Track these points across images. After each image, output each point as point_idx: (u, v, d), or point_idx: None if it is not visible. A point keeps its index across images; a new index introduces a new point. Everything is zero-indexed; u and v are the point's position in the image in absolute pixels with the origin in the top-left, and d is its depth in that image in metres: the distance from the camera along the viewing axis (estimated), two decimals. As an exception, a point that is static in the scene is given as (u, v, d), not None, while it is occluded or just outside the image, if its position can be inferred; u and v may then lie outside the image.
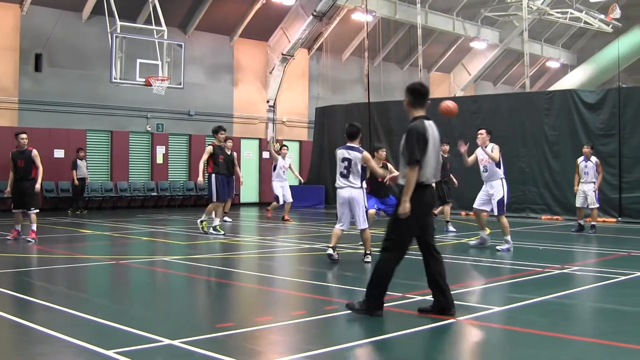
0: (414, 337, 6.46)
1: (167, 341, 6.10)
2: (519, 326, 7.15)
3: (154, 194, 27.67)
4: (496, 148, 13.49)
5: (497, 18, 38.81)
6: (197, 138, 29.08)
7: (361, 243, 12.06)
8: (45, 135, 24.83)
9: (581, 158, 17.77)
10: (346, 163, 11.16)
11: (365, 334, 6.90)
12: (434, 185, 7.38)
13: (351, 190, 11.21)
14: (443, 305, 7.21)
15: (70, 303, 8.03)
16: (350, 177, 11.18)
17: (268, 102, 31.86)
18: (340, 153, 11.33)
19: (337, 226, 11.50)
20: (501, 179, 13.43)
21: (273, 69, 31.46)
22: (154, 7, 23.17)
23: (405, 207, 6.98)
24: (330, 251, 11.38)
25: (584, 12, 38.44)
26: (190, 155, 28.61)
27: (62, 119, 25.50)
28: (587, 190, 17.47)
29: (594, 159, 17.69)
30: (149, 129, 27.95)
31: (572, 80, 40.41)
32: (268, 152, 21.48)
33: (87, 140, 25.96)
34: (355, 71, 35.14)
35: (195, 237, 16.06)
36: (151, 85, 22.03)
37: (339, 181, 11.31)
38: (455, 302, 7.25)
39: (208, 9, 28.36)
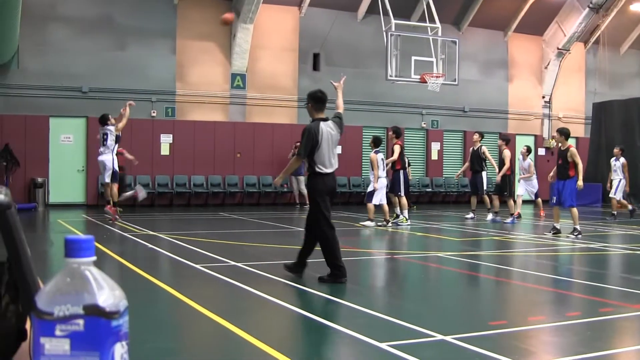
0: None
1: (439, 336, 6.06)
2: None
3: (429, 190, 27.90)
4: None
5: None
6: (471, 135, 28.88)
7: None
8: (324, 133, 25.89)
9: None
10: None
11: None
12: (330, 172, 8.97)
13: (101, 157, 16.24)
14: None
15: (348, 295, 8.26)
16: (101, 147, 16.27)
17: (543, 97, 31.05)
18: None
19: None
20: None
21: (548, 63, 30.61)
22: (428, 5, 23.41)
23: (277, 181, 9.92)
24: None
25: None
26: (465, 152, 28.43)
27: (340, 116, 26.44)
28: None
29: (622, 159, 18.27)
30: (424, 125, 28.23)
31: None
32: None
33: (364, 136, 26.69)
34: (634, 65, 33.04)
35: (470, 233, 15.93)
36: (426, 82, 22.22)
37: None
38: None
39: (482, 5, 28.11)
